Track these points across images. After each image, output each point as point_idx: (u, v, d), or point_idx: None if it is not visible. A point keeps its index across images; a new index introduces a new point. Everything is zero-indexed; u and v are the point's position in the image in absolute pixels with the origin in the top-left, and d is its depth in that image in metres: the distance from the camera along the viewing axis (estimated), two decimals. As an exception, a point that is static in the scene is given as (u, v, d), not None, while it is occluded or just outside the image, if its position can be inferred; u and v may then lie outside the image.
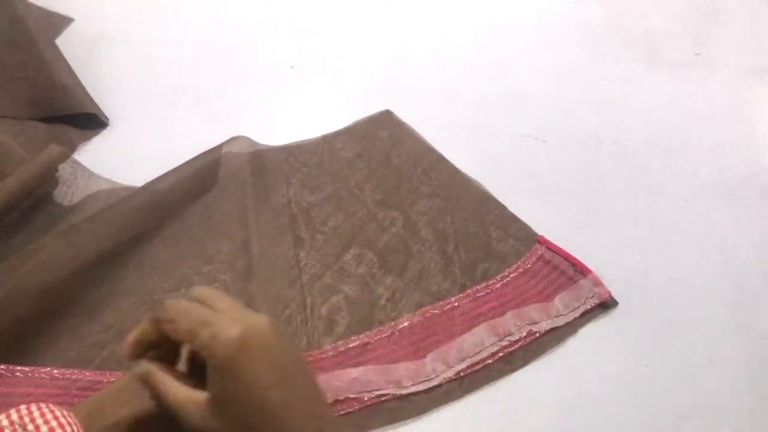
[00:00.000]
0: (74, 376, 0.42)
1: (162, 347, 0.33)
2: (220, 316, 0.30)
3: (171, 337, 0.31)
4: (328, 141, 0.59)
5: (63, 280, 0.45)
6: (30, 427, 0.28)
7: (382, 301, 0.49)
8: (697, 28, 0.73)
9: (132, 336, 0.32)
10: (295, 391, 0.30)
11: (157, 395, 0.31)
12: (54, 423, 0.29)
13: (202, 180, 0.54)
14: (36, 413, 0.29)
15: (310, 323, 0.47)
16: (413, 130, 0.60)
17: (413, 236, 0.53)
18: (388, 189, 0.56)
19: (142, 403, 0.32)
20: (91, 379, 0.42)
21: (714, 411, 0.44)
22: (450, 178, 0.57)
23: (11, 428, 0.28)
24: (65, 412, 0.30)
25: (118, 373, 0.42)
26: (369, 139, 0.59)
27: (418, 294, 0.49)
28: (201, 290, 0.33)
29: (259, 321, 0.31)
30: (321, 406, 0.31)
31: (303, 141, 0.59)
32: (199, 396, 0.30)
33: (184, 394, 0.30)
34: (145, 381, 0.31)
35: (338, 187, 0.55)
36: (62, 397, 0.41)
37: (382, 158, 0.58)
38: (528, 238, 0.53)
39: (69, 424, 0.29)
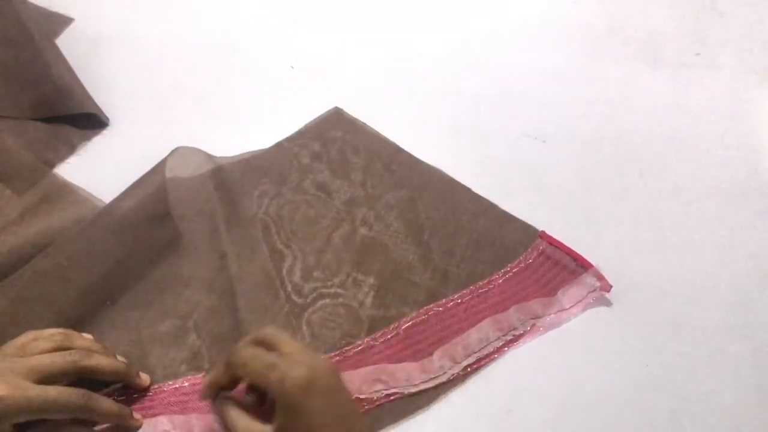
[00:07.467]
0: None
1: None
2: (285, 360, 0.34)
3: (243, 380, 0.36)
4: (282, 147, 0.58)
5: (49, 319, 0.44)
6: None
7: (369, 300, 0.49)
8: (697, 28, 0.73)
9: (207, 379, 0.37)
10: (347, 427, 0.34)
11: (228, 427, 0.35)
12: None
13: (158, 205, 0.52)
14: None
15: (300, 332, 0.47)
16: (366, 125, 0.60)
17: (387, 230, 0.53)
18: (354, 187, 0.56)
19: None
20: None
21: (714, 411, 0.44)
22: (412, 169, 0.57)
23: None
24: None
25: None
26: (323, 141, 0.59)
27: (402, 290, 0.49)
28: (267, 331, 0.37)
29: (321, 364, 0.35)
30: None
31: (257, 151, 0.58)
32: (264, 428, 0.34)
33: (252, 427, 0.34)
34: (219, 415, 0.36)
35: (302, 194, 0.55)
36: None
37: (341, 158, 0.57)
38: (528, 234, 0.53)
39: None
